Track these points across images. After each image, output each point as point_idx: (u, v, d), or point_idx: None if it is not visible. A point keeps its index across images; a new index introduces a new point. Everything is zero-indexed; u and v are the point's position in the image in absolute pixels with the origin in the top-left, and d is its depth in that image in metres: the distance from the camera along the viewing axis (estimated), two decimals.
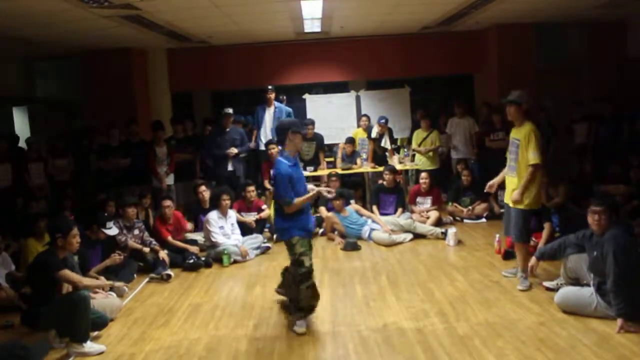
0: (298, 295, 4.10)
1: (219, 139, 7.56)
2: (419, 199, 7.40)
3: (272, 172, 4.16)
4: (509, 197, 4.74)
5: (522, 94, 4.65)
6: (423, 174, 7.40)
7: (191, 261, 5.87)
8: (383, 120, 8.08)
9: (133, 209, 5.94)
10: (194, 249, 6.14)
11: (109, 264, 5.18)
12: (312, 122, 8.13)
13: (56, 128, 8.49)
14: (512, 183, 4.72)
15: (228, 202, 6.32)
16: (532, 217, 4.80)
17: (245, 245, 6.20)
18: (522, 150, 4.55)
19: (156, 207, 6.76)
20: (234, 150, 7.47)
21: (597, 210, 3.96)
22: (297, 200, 4.04)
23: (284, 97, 9.16)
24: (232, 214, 6.45)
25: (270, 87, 8.10)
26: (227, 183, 7.28)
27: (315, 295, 4.16)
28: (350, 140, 8.24)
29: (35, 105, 8.81)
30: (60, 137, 7.60)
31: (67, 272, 3.88)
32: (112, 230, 5.28)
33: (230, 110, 7.68)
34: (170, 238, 6.14)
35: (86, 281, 3.99)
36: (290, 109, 8.41)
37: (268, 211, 7.01)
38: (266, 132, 8.06)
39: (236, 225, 6.47)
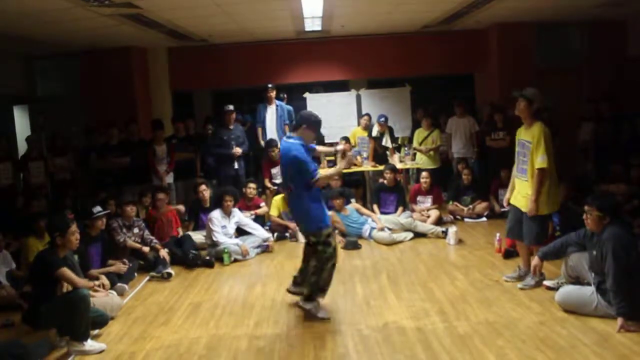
0: (320, 276, 4.24)
1: (225, 138, 7.56)
2: (419, 198, 7.40)
3: (289, 155, 4.15)
4: (518, 199, 4.68)
5: (536, 92, 4.54)
6: (424, 174, 7.40)
7: (191, 256, 5.89)
8: (382, 119, 8.06)
9: (132, 207, 5.93)
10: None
11: (112, 271, 5.18)
12: None
13: (56, 127, 8.49)
14: (522, 186, 4.63)
15: (230, 203, 6.31)
16: (548, 222, 4.73)
17: (246, 244, 6.20)
18: (532, 153, 4.47)
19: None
20: (239, 151, 7.48)
21: (585, 210, 3.99)
22: (321, 175, 4.16)
23: (285, 96, 9.16)
24: (237, 213, 6.44)
25: (270, 85, 8.10)
26: (232, 182, 7.29)
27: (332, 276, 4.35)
28: (346, 139, 8.26)
29: (36, 104, 8.80)
30: (59, 135, 7.60)
31: (65, 271, 3.88)
32: (100, 211, 5.23)
33: (232, 107, 7.67)
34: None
35: (81, 282, 3.97)
36: (291, 107, 8.42)
37: (265, 208, 7.03)
38: (272, 130, 8.05)
39: (249, 220, 6.51)
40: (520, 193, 4.67)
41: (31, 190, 6.80)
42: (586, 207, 3.99)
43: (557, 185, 4.67)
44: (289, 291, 4.61)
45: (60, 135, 7.63)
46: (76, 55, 8.41)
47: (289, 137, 4.33)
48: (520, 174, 4.68)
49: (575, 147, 8.18)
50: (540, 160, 4.41)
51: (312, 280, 4.29)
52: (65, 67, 8.68)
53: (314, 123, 4.27)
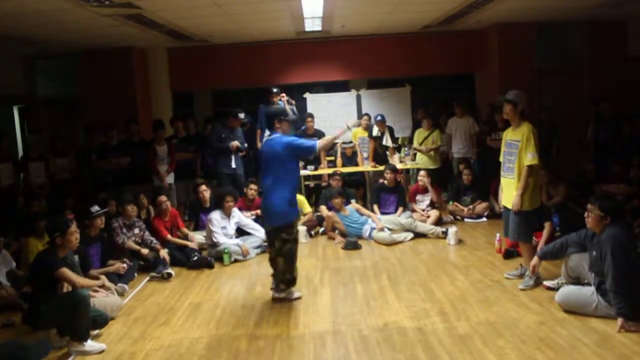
0: (293, 268, 4.65)
1: (223, 136, 7.54)
2: (418, 197, 7.40)
3: (279, 146, 4.52)
4: (508, 199, 4.73)
5: (518, 93, 4.63)
6: (421, 172, 7.42)
7: (195, 258, 5.89)
8: (379, 118, 8.05)
9: (133, 207, 5.93)
10: (193, 244, 6.15)
11: (112, 271, 5.18)
12: (311, 116, 8.13)
13: (56, 127, 8.48)
14: (510, 185, 4.69)
15: (231, 204, 6.32)
16: (533, 217, 4.77)
17: (246, 244, 6.19)
18: (521, 151, 4.54)
19: (156, 206, 6.75)
20: (236, 143, 7.41)
21: (588, 208, 4.02)
22: (320, 141, 4.63)
23: (294, 102, 8.95)
24: (237, 213, 6.44)
25: (275, 90, 8.06)
26: (230, 182, 7.26)
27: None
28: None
29: (33, 104, 8.80)
30: (60, 135, 7.60)
31: (65, 271, 3.88)
32: (98, 210, 5.25)
33: (243, 116, 7.67)
34: (169, 236, 6.15)
35: (82, 282, 3.97)
36: (293, 108, 8.39)
37: None
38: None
39: (249, 221, 6.51)
40: (508, 191, 4.74)
41: (32, 190, 6.80)
42: (589, 206, 4.01)
43: (540, 185, 4.77)
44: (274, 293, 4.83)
45: (61, 135, 7.62)
46: (76, 55, 8.41)
47: (270, 136, 4.70)
48: (506, 173, 4.76)
49: (576, 147, 8.19)
50: (530, 157, 4.49)
51: (287, 277, 4.67)
52: (65, 67, 8.68)
53: (281, 114, 4.73)
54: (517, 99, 4.60)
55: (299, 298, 4.70)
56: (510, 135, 4.74)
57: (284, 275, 4.65)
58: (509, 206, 4.71)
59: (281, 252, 4.60)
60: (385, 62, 9.33)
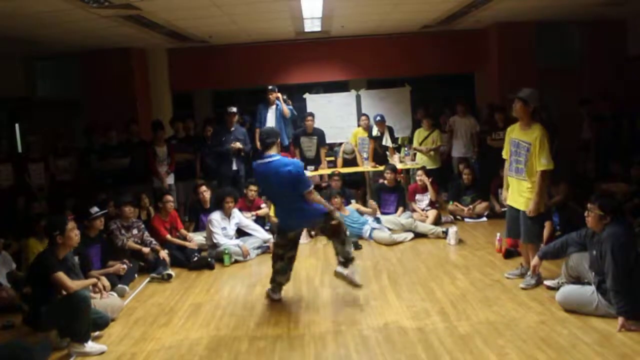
0: (350, 249, 4.61)
1: (223, 138, 7.55)
2: (417, 197, 7.40)
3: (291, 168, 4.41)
4: (516, 199, 4.69)
5: (532, 93, 4.51)
6: (419, 172, 7.42)
7: (195, 259, 5.89)
8: (379, 118, 8.05)
9: (130, 208, 5.90)
10: (192, 244, 6.15)
11: (112, 272, 5.17)
12: (311, 115, 8.11)
13: (56, 128, 8.47)
14: (519, 186, 4.62)
15: (232, 204, 6.31)
16: (543, 218, 4.76)
17: (246, 245, 6.19)
18: (533, 155, 4.44)
19: (157, 206, 6.75)
20: (238, 144, 7.41)
21: (588, 207, 4.02)
22: (314, 193, 4.52)
23: (290, 101, 8.98)
24: (237, 214, 6.44)
25: (270, 87, 8.07)
26: (231, 183, 7.26)
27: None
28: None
29: (33, 104, 8.79)
30: (61, 137, 7.60)
31: (59, 275, 3.84)
32: (97, 212, 5.24)
33: (235, 109, 7.65)
34: (169, 236, 6.14)
35: (75, 286, 3.90)
36: (291, 107, 8.40)
37: (266, 209, 7.01)
38: None
39: (249, 222, 6.51)
40: (518, 192, 4.66)
41: (31, 191, 6.80)
42: (589, 205, 4.01)
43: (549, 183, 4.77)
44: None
45: (62, 136, 7.62)
46: (76, 56, 8.41)
47: (269, 157, 4.45)
48: (516, 173, 4.66)
49: (575, 146, 8.19)
50: (545, 162, 4.40)
51: (347, 248, 4.60)
52: (65, 68, 8.68)
53: (274, 137, 4.55)
54: (528, 99, 4.47)
55: (359, 286, 4.64)
56: (518, 135, 4.61)
57: (345, 247, 4.61)
58: (516, 206, 4.66)
59: (336, 234, 4.59)
60: (384, 62, 9.33)
